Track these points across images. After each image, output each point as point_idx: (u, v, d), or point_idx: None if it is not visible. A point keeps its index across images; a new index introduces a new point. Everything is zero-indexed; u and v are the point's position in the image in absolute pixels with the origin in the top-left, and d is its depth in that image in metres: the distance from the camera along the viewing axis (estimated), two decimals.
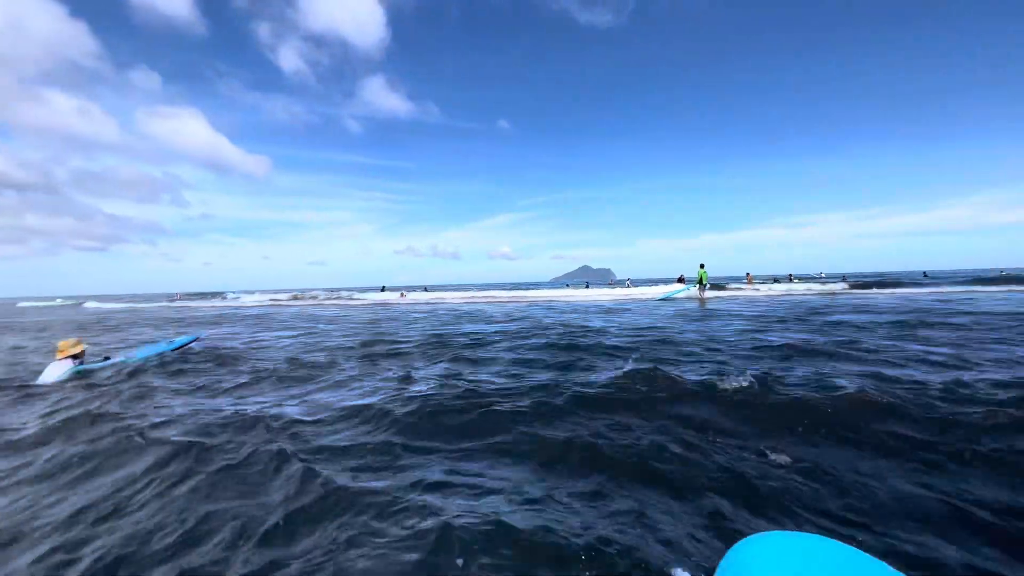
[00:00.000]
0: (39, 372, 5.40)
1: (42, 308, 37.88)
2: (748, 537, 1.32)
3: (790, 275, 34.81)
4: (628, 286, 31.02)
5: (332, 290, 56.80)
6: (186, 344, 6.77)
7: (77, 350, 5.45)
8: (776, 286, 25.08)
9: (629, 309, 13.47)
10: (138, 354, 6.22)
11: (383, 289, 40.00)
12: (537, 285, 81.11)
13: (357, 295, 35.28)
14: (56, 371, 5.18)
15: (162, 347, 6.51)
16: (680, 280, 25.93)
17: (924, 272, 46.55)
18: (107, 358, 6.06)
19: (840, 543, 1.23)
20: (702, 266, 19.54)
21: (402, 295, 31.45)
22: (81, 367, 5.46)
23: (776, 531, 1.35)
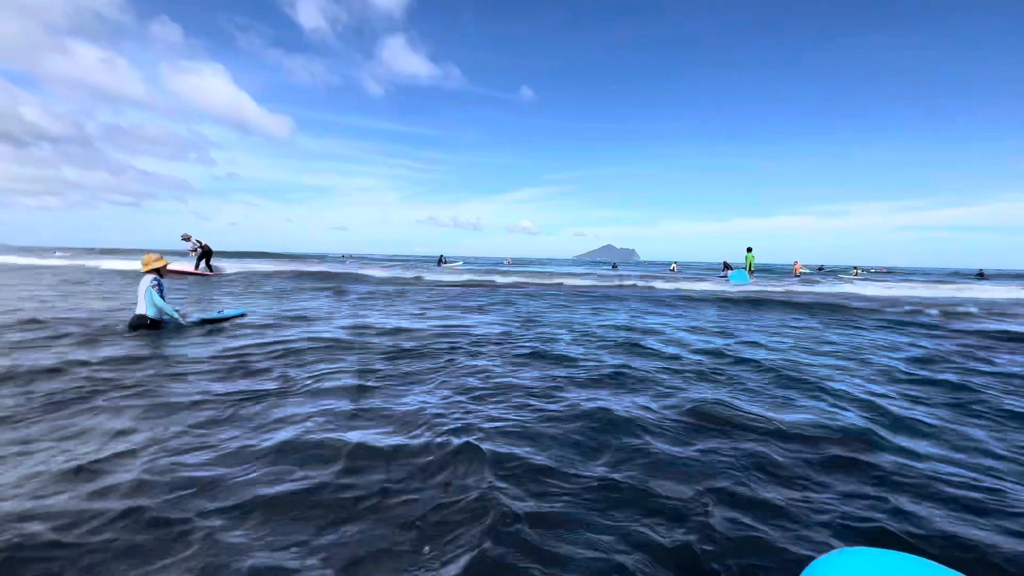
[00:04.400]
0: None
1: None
2: (834, 551, 1.29)
3: (855, 268, 31.04)
4: (674, 270, 27.70)
5: (363, 258, 52.90)
6: (235, 316, 6.91)
7: (159, 264, 5.83)
8: (863, 285, 20.10)
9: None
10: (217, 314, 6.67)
11: (441, 261, 35.87)
12: (559, 262, 77.48)
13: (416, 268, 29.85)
14: (143, 284, 5.60)
15: (213, 315, 6.76)
16: (726, 266, 22.92)
17: (980, 271, 40.83)
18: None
19: (932, 563, 1.16)
20: (749, 250, 16.75)
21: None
22: (158, 283, 5.71)
23: (863, 547, 1.29)
